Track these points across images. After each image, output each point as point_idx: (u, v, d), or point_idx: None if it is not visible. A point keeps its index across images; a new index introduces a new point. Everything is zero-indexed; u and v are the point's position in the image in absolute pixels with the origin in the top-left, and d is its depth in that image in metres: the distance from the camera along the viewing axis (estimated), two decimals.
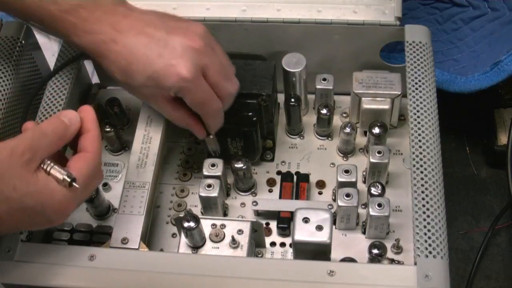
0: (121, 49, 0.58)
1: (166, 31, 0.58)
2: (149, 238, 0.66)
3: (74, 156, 0.54)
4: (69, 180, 0.51)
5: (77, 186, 0.51)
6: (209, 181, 0.65)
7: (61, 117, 0.54)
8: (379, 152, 0.65)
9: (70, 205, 0.52)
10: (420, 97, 0.64)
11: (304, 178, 0.69)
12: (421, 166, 0.59)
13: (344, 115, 0.75)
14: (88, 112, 0.56)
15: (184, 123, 0.64)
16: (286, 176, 0.70)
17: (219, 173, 0.66)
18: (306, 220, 0.59)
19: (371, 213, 0.62)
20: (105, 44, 0.58)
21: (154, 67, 0.58)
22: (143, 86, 0.60)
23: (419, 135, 0.61)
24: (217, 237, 0.61)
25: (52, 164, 0.51)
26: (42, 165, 0.51)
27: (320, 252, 0.59)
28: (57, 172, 0.51)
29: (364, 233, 0.65)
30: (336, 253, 0.62)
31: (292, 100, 0.70)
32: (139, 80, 0.59)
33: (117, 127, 0.72)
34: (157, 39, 0.58)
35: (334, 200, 0.68)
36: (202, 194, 0.64)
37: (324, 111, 0.70)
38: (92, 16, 0.58)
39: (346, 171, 0.65)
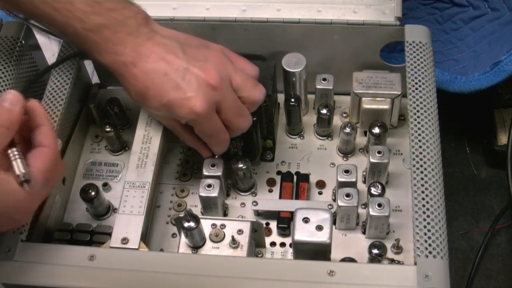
0: (139, 73, 0.59)
1: (186, 61, 0.59)
2: (149, 238, 0.66)
3: (31, 152, 0.53)
4: (22, 179, 0.50)
5: (27, 188, 0.51)
6: (209, 181, 0.65)
7: (0, 103, 0.53)
8: (379, 152, 0.65)
9: (33, 203, 0.53)
10: (420, 97, 0.64)
11: (304, 178, 0.69)
12: (421, 166, 0.59)
13: (344, 115, 0.75)
14: (37, 106, 0.55)
15: (192, 144, 0.65)
16: (286, 176, 0.70)
17: (219, 173, 0.66)
18: (306, 220, 0.59)
19: (371, 213, 0.62)
20: (125, 66, 0.59)
21: (169, 97, 0.59)
22: (156, 111, 0.61)
23: (419, 135, 0.61)
24: (217, 237, 0.61)
25: (17, 156, 0.51)
26: (8, 152, 0.51)
27: (320, 252, 0.59)
28: (17, 167, 0.50)
29: (364, 233, 0.65)
30: (336, 253, 0.62)
31: (292, 100, 0.70)
32: (153, 105, 0.60)
33: (117, 127, 0.72)
34: (175, 68, 0.59)
35: (334, 200, 0.68)
36: (202, 194, 0.64)
37: (324, 111, 0.70)
38: (115, 37, 0.59)
39: (346, 171, 0.65)
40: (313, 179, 0.70)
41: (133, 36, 0.59)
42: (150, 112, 0.64)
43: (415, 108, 0.63)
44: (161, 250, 0.66)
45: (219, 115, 0.61)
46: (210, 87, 0.59)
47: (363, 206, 0.67)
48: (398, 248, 0.63)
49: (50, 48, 0.88)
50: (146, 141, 0.66)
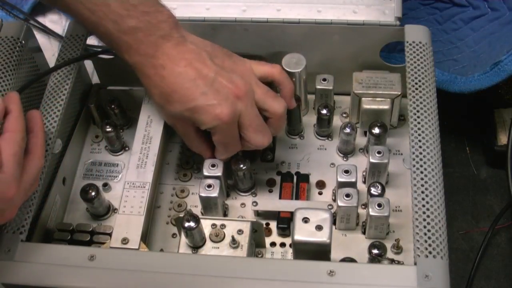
0: (168, 76, 0.60)
1: (214, 71, 0.61)
2: (149, 238, 0.66)
3: None
4: None
5: None
6: (209, 181, 0.65)
7: None
8: (379, 152, 0.65)
9: (10, 189, 0.53)
10: (420, 97, 0.64)
11: (304, 178, 0.69)
12: (421, 166, 0.59)
13: (344, 115, 0.75)
14: (11, 96, 0.57)
15: (198, 149, 0.67)
16: (286, 176, 0.70)
17: (219, 173, 0.66)
18: (306, 220, 0.59)
19: (371, 213, 0.62)
20: (154, 68, 0.60)
21: (196, 102, 0.60)
22: (178, 115, 0.62)
23: (419, 135, 0.61)
24: (217, 237, 0.61)
25: None
26: None
27: (320, 252, 0.59)
28: None
29: (364, 233, 0.65)
30: (336, 253, 0.62)
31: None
32: (177, 109, 0.61)
33: (117, 127, 0.72)
34: (203, 76, 0.60)
35: (334, 200, 0.68)
36: (202, 194, 0.64)
37: (324, 111, 0.70)
38: (148, 40, 0.60)
39: (346, 171, 0.65)
40: (313, 179, 0.70)
41: (165, 39, 0.60)
42: (168, 115, 0.64)
43: (415, 108, 0.63)
44: (161, 250, 0.66)
45: (239, 127, 0.62)
46: (236, 97, 0.60)
47: (363, 206, 0.67)
48: (398, 248, 0.63)
49: (50, 48, 0.89)
50: (146, 141, 0.66)
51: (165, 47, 0.60)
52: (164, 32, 0.60)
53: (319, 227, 0.59)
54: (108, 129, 0.71)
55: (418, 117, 0.62)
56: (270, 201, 0.68)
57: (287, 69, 0.70)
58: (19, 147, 0.54)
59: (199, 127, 0.63)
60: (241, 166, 0.66)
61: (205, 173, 0.66)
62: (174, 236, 0.67)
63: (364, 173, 0.69)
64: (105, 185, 0.71)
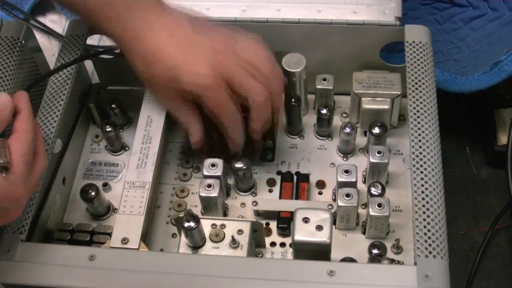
0: (149, 47, 0.60)
1: (192, 29, 0.61)
2: (149, 238, 0.66)
3: (8, 139, 0.54)
4: (1, 165, 0.51)
5: (4, 174, 0.51)
6: (209, 181, 0.65)
7: None
8: (379, 152, 0.65)
9: (19, 189, 0.52)
10: (420, 97, 0.64)
11: (304, 178, 0.69)
12: (421, 166, 0.59)
13: (344, 115, 0.75)
14: (20, 95, 0.57)
15: (187, 123, 0.65)
16: (286, 176, 0.70)
17: (219, 173, 0.66)
18: (306, 220, 0.59)
19: (371, 213, 0.62)
20: (136, 40, 0.61)
21: (175, 61, 0.60)
22: (162, 81, 0.61)
23: (419, 135, 0.61)
24: (217, 237, 0.61)
25: (2, 144, 0.52)
26: None
27: (320, 252, 0.59)
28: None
29: (364, 233, 0.65)
30: (336, 253, 0.62)
31: (292, 100, 0.70)
32: (158, 71, 0.61)
33: (117, 127, 0.72)
34: (182, 33, 0.60)
35: (334, 200, 0.68)
36: (202, 194, 0.64)
37: (324, 111, 0.70)
38: (128, 13, 0.60)
39: (346, 171, 0.65)
40: (313, 179, 0.70)
41: (146, 10, 0.61)
42: (153, 85, 0.64)
43: (415, 108, 0.63)
44: (161, 250, 0.66)
45: (232, 91, 0.61)
46: (215, 52, 0.60)
47: (363, 206, 0.67)
48: (398, 248, 0.63)
49: (50, 48, 0.89)
50: (146, 141, 0.66)
51: (146, 19, 0.60)
52: (144, 4, 0.60)
53: (319, 227, 0.59)
54: (108, 129, 0.71)
55: (418, 117, 0.62)
56: (270, 201, 0.68)
57: (287, 69, 0.70)
58: (29, 147, 0.54)
59: (186, 95, 0.62)
60: (241, 166, 0.66)
61: (205, 173, 0.66)
62: (174, 236, 0.67)
63: (364, 173, 0.69)
64: (105, 185, 0.71)
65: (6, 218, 0.54)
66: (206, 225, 0.61)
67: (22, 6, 0.92)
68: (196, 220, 0.59)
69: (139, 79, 0.64)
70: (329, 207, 0.65)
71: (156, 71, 0.61)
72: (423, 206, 0.57)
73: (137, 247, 0.59)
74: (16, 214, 0.54)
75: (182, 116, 0.65)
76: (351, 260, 0.61)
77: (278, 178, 0.70)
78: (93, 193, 0.66)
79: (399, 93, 0.69)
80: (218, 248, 0.60)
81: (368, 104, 0.70)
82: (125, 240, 0.60)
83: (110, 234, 0.61)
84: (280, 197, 0.68)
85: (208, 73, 0.59)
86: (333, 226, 0.64)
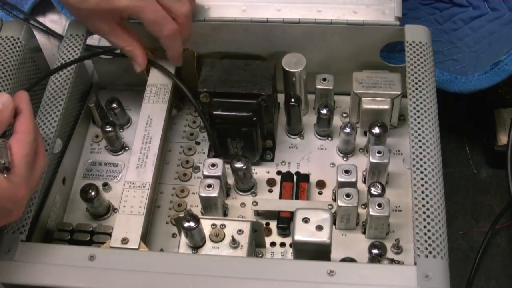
0: None
1: None
2: (149, 238, 0.66)
3: (9, 140, 0.54)
4: (1, 166, 0.51)
5: (5, 175, 0.51)
6: (209, 181, 0.65)
7: None
8: (379, 152, 0.65)
9: (20, 190, 0.52)
10: (420, 97, 0.64)
11: (304, 178, 0.69)
12: (421, 166, 0.59)
13: (344, 115, 0.75)
14: (21, 96, 0.57)
15: (128, 44, 0.67)
16: (286, 176, 0.70)
17: (219, 173, 0.66)
18: (306, 220, 0.59)
19: (371, 213, 0.62)
20: None
21: None
22: (96, 10, 0.62)
23: (419, 135, 0.61)
24: (217, 237, 0.61)
25: (4, 145, 0.52)
26: None
27: (320, 252, 0.59)
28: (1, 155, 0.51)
29: (364, 233, 0.65)
30: (336, 253, 0.62)
31: (292, 100, 0.70)
32: (92, 3, 0.62)
33: (117, 127, 0.72)
34: None
35: (334, 200, 0.68)
36: (202, 194, 0.64)
37: (324, 111, 0.70)
38: None
39: (346, 171, 0.65)
40: (313, 179, 0.70)
41: None
42: (89, 18, 0.65)
43: (415, 108, 0.63)
44: (161, 250, 0.66)
45: (158, 2, 0.63)
46: None
47: (363, 206, 0.67)
48: (398, 248, 0.63)
49: (50, 48, 0.88)
50: (146, 141, 0.66)
51: None
52: None
53: (319, 227, 0.59)
54: (108, 129, 0.71)
55: (418, 117, 0.62)
56: (270, 201, 0.68)
57: (287, 69, 0.70)
58: (31, 148, 0.54)
59: (121, 17, 0.63)
60: (241, 165, 0.66)
61: (205, 173, 0.66)
62: (174, 236, 0.67)
63: (364, 173, 0.69)
64: (105, 185, 0.71)
65: (8, 218, 0.54)
66: (206, 225, 0.61)
67: (22, 6, 0.92)
68: (196, 220, 0.59)
69: (72, 13, 0.66)
70: (329, 207, 0.66)
71: (88, 2, 0.62)
72: (423, 206, 0.57)
73: (137, 247, 0.59)
74: (17, 215, 0.54)
75: (121, 40, 0.67)
76: (351, 260, 0.61)
77: (278, 178, 0.70)
78: (93, 193, 0.66)
79: (399, 93, 0.69)
80: (218, 248, 0.60)
81: (368, 104, 0.70)
82: (125, 240, 0.60)
83: (110, 234, 0.61)
84: (280, 197, 0.68)
85: None
86: (333, 226, 0.64)
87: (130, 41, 0.67)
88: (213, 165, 0.66)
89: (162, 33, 0.65)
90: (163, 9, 0.64)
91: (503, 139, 0.81)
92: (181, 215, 0.60)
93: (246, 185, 0.69)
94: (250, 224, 0.61)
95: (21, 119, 0.55)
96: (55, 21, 0.92)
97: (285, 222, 0.66)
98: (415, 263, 0.54)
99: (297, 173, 0.70)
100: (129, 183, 0.64)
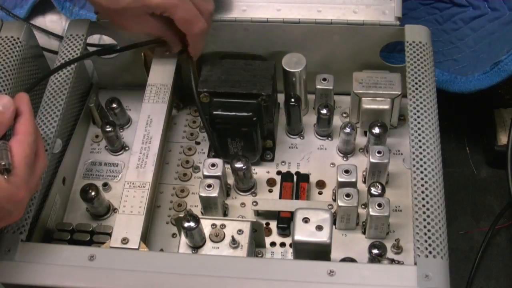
0: None
1: None
2: (149, 238, 0.66)
3: (10, 142, 0.54)
4: (1, 167, 0.51)
5: (5, 176, 0.51)
6: (209, 181, 0.65)
7: None
8: (379, 152, 0.65)
9: (20, 191, 0.53)
10: (420, 97, 0.64)
11: (304, 178, 0.69)
12: (421, 166, 0.59)
13: (344, 115, 0.75)
14: (21, 97, 0.57)
15: (164, 34, 0.67)
16: (286, 176, 0.70)
17: (219, 173, 0.66)
18: (306, 220, 0.59)
19: (371, 213, 0.62)
20: None
21: None
22: (128, 9, 0.62)
23: (419, 135, 0.61)
24: (217, 237, 0.61)
25: (4, 146, 0.52)
26: None
27: (320, 252, 0.59)
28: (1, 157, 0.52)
29: (364, 233, 0.65)
30: (336, 253, 0.62)
31: (292, 100, 0.70)
32: (123, 3, 0.62)
33: (117, 127, 0.72)
34: None
35: (334, 200, 0.68)
36: (202, 194, 0.64)
37: (324, 111, 0.70)
38: None
39: (346, 171, 0.65)
40: (313, 179, 0.70)
41: None
42: (121, 18, 0.64)
43: (415, 108, 0.63)
44: (161, 250, 0.66)
45: None
46: None
47: (363, 206, 0.67)
48: (398, 248, 0.63)
49: (50, 48, 0.88)
50: (146, 141, 0.66)
51: None
52: None
53: (319, 227, 0.59)
54: (108, 129, 0.71)
55: (418, 117, 0.62)
56: (270, 201, 0.68)
57: (287, 69, 0.70)
58: (31, 149, 0.54)
59: (152, 13, 0.63)
60: (241, 165, 0.66)
61: (205, 173, 0.66)
62: (174, 236, 0.67)
63: (364, 173, 0.69)
64: (105, 185, 0.71)
65: (8, 219, 0.54)
66: (206, 225, 0.61)
67: (22, 6, 0.92)
68: (196, 220, 0.59)
69: (102, 14, 0.66)
70: (329, 207, 0.66)
71: (120, 2, 0.62)
72: (423, 206, 0.57)
73: (137, 247, 0.59)
74: (18, 216, 0.54)
75: (161, 33, 0.66)
76: (351, 260, 0.61)
77: (278, 178, 0.70)
78: (93, 193, 0.66)
79: (399, 93, 0.69)
80: (218, 248, 0.60)
81: (368, 104, 0.70)
82: (125, 240, 0.60)
83: (110, 234, 0.61)
84: (280, 197, 0.68)
85: None
86: (333, 226, 0.64)
87: (163, 30, 0.67)
88: (213, 165, 0.66)
89: (192, 31, 0.65)
90: (190, 2, 0.64)
91: (503, 139, 0.82)
92: (181, 215, 0.60)
93: (246, 185, 0.69)
94: (250, 224, 0.61)
95: (22, 121, 0.55)
96: (54, 21, 0.92)
97: (285, 222, 0.66)
98: (415, 263, 0.54)
99: (297, 173, 0.70)
100: (129, 183, 0.64)
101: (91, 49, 0.75)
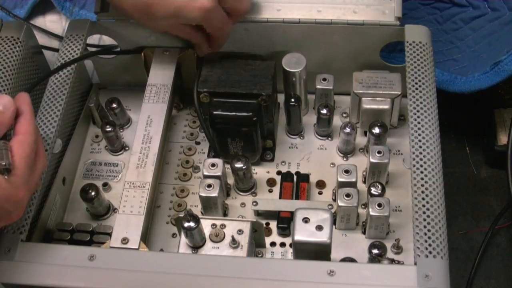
0: None
1: None
2: (149, 238, 0.66)
3: (10, 142, 0.54)
4: (2, 167, 0.51)
5: (6, 176, 0.51)
6: (209, 181, 0.65)
7: None
8: (379, 152, 0.65)
9: (20, 191, 0.53)
10: (420, 97, 0.64)
11: (304, 178, 0.69)
12: (421, 166, 0.59)
13: (344, 115, 0.75)
14: (22, 97, 0.57)
15: (198, 40, 0.69)
16: (286, 176, 0.70)
17: (219, 173, 0.66)
18: (306, 220, 0.59)
19: (371, 213, 0.62)
20: None
21: (175, 4, 0.62)
22: (163, 21, 0.64)
23: (419, 135, 0.61)
24: (217, 237, 0.61)
25: (4, 146, 0.52)
26: None
27: (320, 252, 0.59)
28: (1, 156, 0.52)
29: (364, 233, 0.65)
30: (336, 253, 0.62)
31: (292, 100, 0.70)
32: (160, 16, 0.63)
33: (117, 127, 0.72)
34: None
35: (334, 200, 0.68)
36: (202, 194, 0.64)
37: (324, 111, 0.70)
38: None
39: (346, 171, 0.65)
40: (313, 179, 0.70)
41: None
42: (155, 26, 0.66)
43: (415, 108, 0.63)
44: (161, 250, 0.66)
45: (221, 4, 0.64)
46: None
47: (363, 206, 0.67)
48: (398, 248, 0.63)
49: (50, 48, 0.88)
50: (146, 141, 0.66)
51: None
52: None
53: (319, 227, 0.59)
54: (108, 129, 0.71)
55: (418, 117, 0.62)
56: (270, 201, 0.68)
57: (287, 69, 0.70)
58: (31, 149, 0.54)
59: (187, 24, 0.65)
60: (241, 165, 0.66)
61: (205, 173, 0.66)
62: (174, 236, 0.67)
63: (364, 173, 0.69)
64: (105, 185, 0.71)
65: (8, 219, 0.54)
66: (206, 225, 0.61)
67: (22, 6, 0.92)
68: (196, 220, 0.59)
69: (130, 18, 0.66)
70: (329, 207, 0.66)
71: (156, 16, 0.63)
72: (423, 206, 0.57)
73: (137, 247, 0.59)
74: (18, 216, 0.55)
75: (192, 38, 0.68)
76: (351, 260, 0.61)
77: (278, 178, 0.70)
78: (93, 193, 0.66)
79: (399, 93, 0.69)
80: (218, 248, 0.60)
81: (368, 104, 0.70)
82: (125, 240, 0.60)
83: (110, 234, 0.61)
84: (280, 197, 0.68)
85: (211, 2, 0.62)
86: (333, 226, 0.64)
87: (194, 34, 0.68)
88: (213, 165, 0.66)
89: (222, 35, 0.68)
90: (222, 11, 0.65)
91: (503, 139, 0.81)
92: (181, 215, 0.60)
93: (246, 185, 0.69)
94: (250, 224, 0.61)
95: (22, 121, 0.55)
96: (55, 21, 0.92)
97: (285, 222, 0.66)
98: (415, 263, 0.54)
99: (297, 173, 0.70)
100: (129, 183, 0.64)
101: (91, 49, 0.75)
